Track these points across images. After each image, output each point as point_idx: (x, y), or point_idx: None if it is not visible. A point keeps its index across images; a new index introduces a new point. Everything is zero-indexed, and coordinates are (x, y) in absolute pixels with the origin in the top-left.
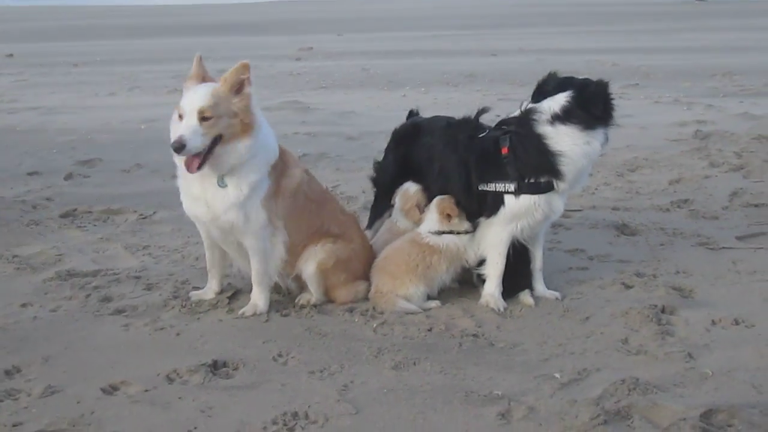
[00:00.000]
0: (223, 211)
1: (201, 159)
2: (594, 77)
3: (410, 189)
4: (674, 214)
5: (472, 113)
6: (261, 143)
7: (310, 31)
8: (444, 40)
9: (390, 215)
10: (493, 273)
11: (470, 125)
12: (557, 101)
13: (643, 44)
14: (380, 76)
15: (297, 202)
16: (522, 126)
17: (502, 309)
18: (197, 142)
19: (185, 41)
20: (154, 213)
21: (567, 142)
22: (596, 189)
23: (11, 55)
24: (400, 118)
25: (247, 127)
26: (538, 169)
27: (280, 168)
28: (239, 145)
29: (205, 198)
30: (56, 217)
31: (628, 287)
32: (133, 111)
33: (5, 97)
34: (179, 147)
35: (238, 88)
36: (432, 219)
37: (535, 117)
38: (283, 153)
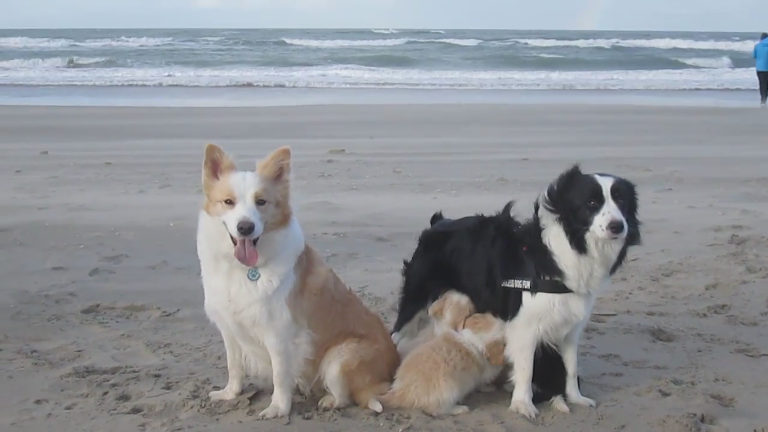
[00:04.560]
0: (247, 305)
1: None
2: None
3: (461, 301)
4: (711, 320)
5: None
6: (293, 234)
7: (342, 134)
8: (475, 144)
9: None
10: (522, 378)
11: (501, 221)
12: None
13: (675, 152)
14: (411, 178)
15: (323, 301)
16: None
17: (533, 415)
18: (260, 225)
19: (218, 142)
20: (178, 311)
21: (555, 240)
22: (630, 293)
23: (46, 152)
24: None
25: (285, 217)
26: (543, 265)
27: (305, 264)
28: (277, 235)
29: (228, 291)
30: (78, 312)
31: (665, 395)
32: (162, 209)
33: (36, 194)
34: (249, 228)
35: (278, 175)
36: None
37: (539, 209)
38: (307, 250)
